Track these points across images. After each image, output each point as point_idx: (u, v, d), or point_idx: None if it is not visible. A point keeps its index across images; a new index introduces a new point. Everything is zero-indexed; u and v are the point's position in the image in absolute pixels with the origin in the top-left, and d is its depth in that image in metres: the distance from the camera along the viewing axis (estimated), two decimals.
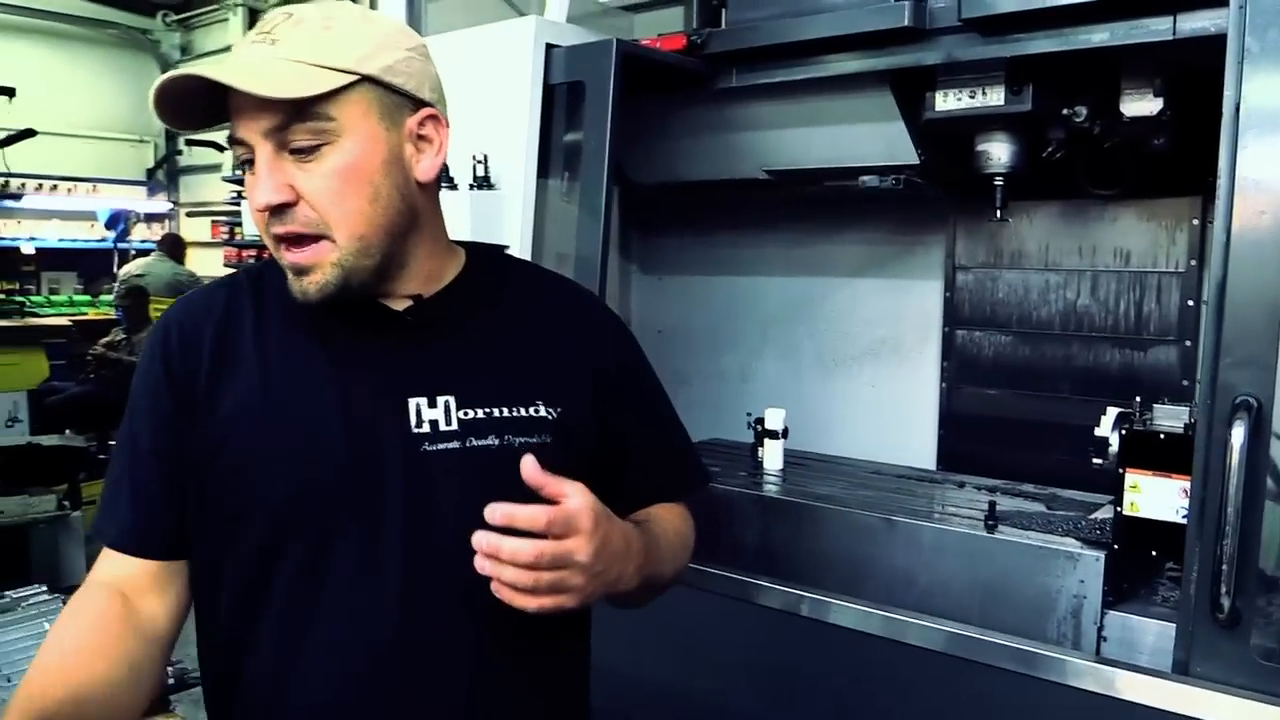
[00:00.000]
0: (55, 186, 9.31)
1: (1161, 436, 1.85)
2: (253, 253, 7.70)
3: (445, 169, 1.20)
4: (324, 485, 1.07)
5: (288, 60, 1.03)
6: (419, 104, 1.11)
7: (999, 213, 2.33)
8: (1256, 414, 1.56)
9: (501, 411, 1.13)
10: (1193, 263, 2.42)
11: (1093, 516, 2.15)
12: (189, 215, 9.89)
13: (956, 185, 2.54)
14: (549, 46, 2.43)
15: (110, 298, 8.51)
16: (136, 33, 9.62)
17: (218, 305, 1.15)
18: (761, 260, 3.21)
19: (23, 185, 8.95)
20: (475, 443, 1.11)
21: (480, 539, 0.96)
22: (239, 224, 7.90)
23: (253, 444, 1.08)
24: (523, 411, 1.14)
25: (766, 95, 2.54)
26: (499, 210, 2.41)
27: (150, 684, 1.07)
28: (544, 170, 2.45)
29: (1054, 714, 1.79)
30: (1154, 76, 2.09)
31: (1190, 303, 2.43)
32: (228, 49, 8.67)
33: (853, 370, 3.05)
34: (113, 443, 1.22)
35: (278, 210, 1.05)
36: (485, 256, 1.27)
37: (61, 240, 9.68)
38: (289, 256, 1.07)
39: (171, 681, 1.93)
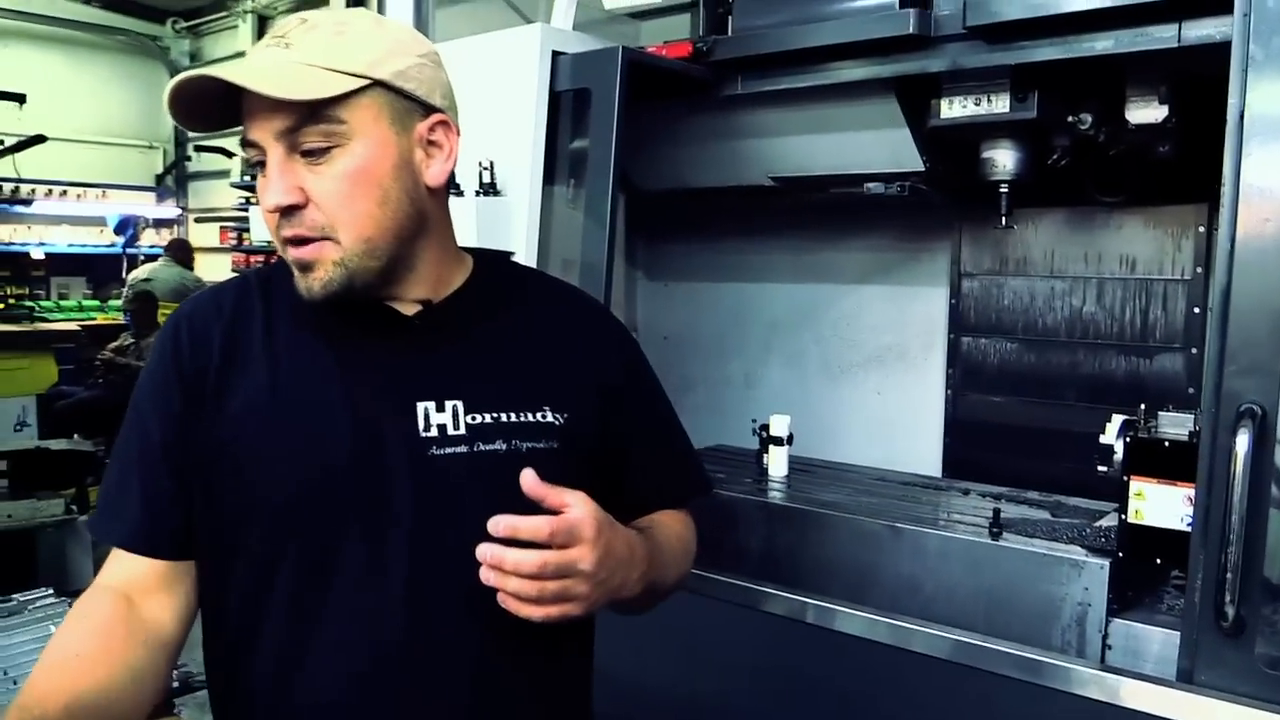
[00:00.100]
0: (65, 192, 9.33)
1: (1166, 444, 1.84)
2: (261, 258, 7.73)
3: (453, 175, 1.20)
4: (329, 485, 1.08)
5: (301, 64, 1.04)
6: (430, 109, 1.11)
7: (1004, 220, 2.33)
8: (1261, 422, 1.56)
9: (509, 417, 1.13)
10: (1199, 270, 2.42)
11: (1098, 524, 2.14)
12: (197, 221, 9.91)
13: (962, 192, 2.54)
14: (555, 54, 2.44)
15: (119, 303, 8.54)
16: (146, 39, 9.66)
17: (227, 304, 1.16)
18: (767, 267, 3.22)
19: (33, 191, 8.98)
20: (483, 447, 1.11)
21: (484, 551, 0.96)
22: (247, 230, 7.95)
23: (259, 443, 1.09)
24: (530, 417, 1.15)
25: (772, 102, 2.54)
26: (505, 217, 2.42)
27: (153, 690, 1.08)
28: (550, 177, 2.46)
29: None
30: (1159, 84, 2.08)
31: (1196, 310, 2.43)
32: (236, 55, 8.71)
33: (858, 377, 3.05)
34: None
35: (287, 212, 1.06)
36: (492, 263, 1.28)
37: (71, 245, 9.71)
38: (293, 252, 1.08)
39: (176, 685, 1.94)
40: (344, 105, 1.04)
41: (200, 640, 1.17)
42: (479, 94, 2.42)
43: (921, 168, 2.44)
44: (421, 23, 3.14)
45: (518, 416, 1.14)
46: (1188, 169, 2.23)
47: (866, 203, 2.61)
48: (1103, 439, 1.93)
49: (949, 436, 2.83)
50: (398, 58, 1.08)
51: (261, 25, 8.67)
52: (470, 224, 2.34)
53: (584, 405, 1.20)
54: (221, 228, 9.25)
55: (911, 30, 2.13)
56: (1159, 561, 1.87)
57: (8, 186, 8.71)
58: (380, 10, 3.20)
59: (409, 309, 1.16)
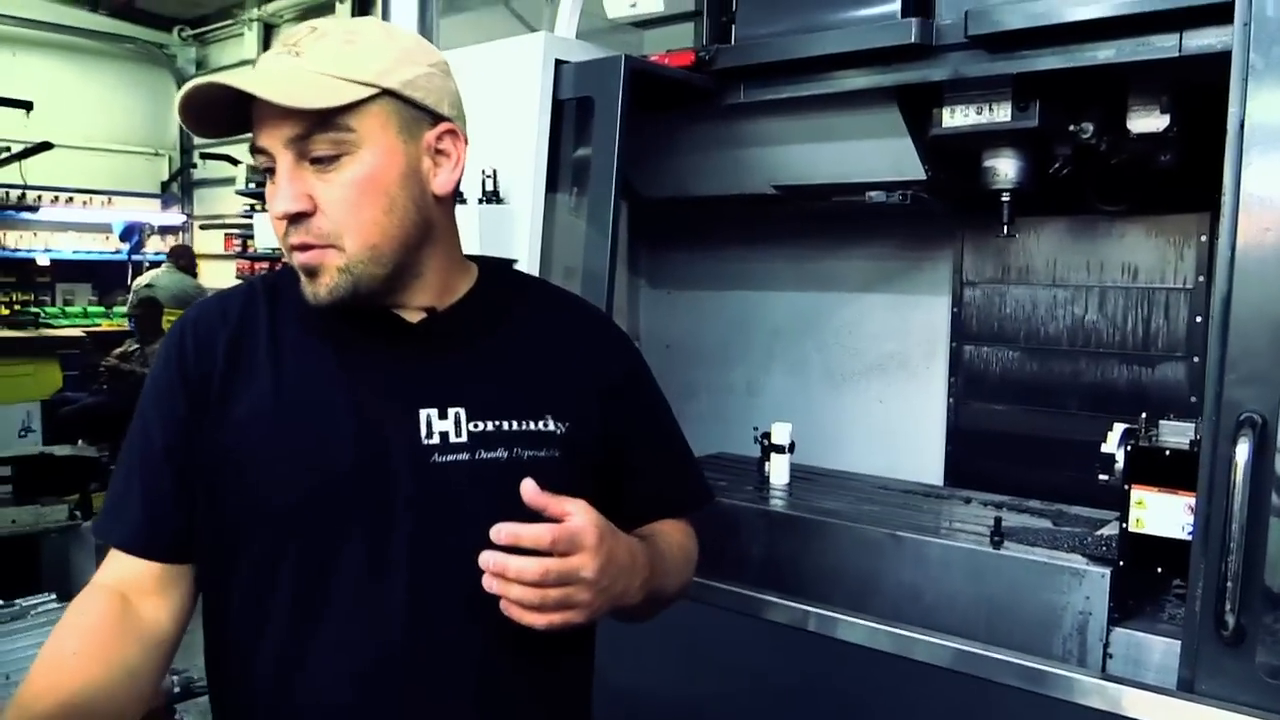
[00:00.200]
0: (71, 199, 9.38)
1: (1167, 453, 1.84)
2: (265, 265, 7.75)
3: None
4: (331, 490, 1.08)
5: (311, 72, 1.05)
6: (438, 119, 1.12)
7: (1006, 228, 2.33)
8: (1261, 430, 1.56)
9: (511, 425, 1.14)
10: (1200, 279, 2.42)
11: (1099, 533, 2.14)
12: (202, 228, 9.95)
13: (964, 201, 2.55)
14: (558, 62, 2.45)
15: (124, 309, 8.56)
16: (153, 47, 9.70)
17: (233, 310, 1.17)
18: (770, 275, 3.22)
19: (39, 197, 9.02)
20: (484, 455, 1.12)
21: (487, 558, 0.97)
22: (251, 236, 7.97)
23: (262, 446, 1.10)
24: (532, 425, 1.15)
25: (774, 111, 2.55)
26: (508, 224, 2.43)
27: (149, 689, 1.08)
28: (553, 185, 2.47)
29: None
30: (1161, 93, 2.09)
31: (1198, 319, 2.43)
32: (242, 64, 8.74)
33: (860, 385, 3.05)
34: None
35: (295, 218, 1.07)
36: (497, 271, 1.29)
37: (76, 252, 9.75)
38: (299, 258, 1.09)
39: (177, 690, 1.94)
40: (353, 114, 1.05)
41: (200, 646, 1.17)
42: (482, 102, 2.42)
43: (923, 176, 2.45)
44: (426, 31, 3.15)
45: (520, 425, 1.15)
46: (1189, 178, 2.23)
47: (868, 211, 2.62)
48: (1104, 448, 1.92)
49: (951, 445, 2.83)
50: (407, 67, 1.09)
51: (267, 33, 8.71)
52: (473, 231, 2.35)
53: (586, 414, 1.20)
54: (226, 235, 9.28)
55: (913, 39, 2.14)
56: (1160, 570, 1.87)
57: (14, 193, 8.75)
58: (385, 18, 3.22)
59: (414, 316, 1.17)
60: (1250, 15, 1.60)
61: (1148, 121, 2.11)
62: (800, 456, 2.75)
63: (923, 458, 2.86)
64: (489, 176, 2.43)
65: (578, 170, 2.46)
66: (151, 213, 10.04)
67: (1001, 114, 2.19)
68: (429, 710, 1.09)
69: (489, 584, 0.98)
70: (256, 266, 8.02)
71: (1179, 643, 1.73)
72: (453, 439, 1.11)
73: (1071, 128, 2.19)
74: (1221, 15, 1.71)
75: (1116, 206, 2.50)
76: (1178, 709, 1.65)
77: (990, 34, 2.05)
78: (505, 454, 1.12)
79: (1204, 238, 2.41)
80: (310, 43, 1.07)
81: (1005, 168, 2.29)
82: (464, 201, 2.41)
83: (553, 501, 1.01)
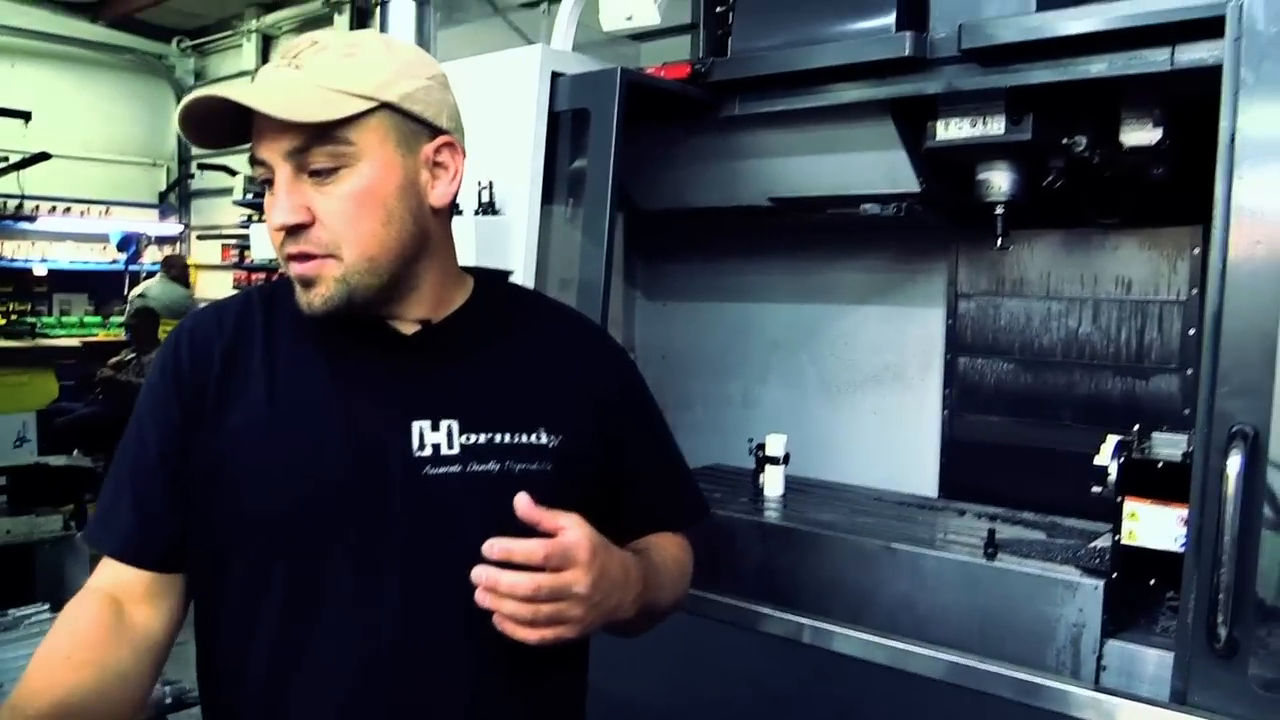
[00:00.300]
0: (68, 209, 9.38)
1: (1160, 465, 1.85)
2: (262, 276, 7.76)
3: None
4: (322, 499, 1.09)
5: (310, 85, 1.06)
6: (436, 131, 1.13)
7: (1000, 241, 2.34)
8: (1253, 443, 1.56)
9: (503, 438, 1.14)
10: (1194, 291, 2.43)
11: (1092, 545, 2.14)
12: (200, 238, 9.95)
13: (958, 213, 2.55)
14: (555, 75, 2.46)
15: (120, 319, 8.57)
16: (152, 58, 9.71)
17: (229, 320, 1.18)
18: (765, 287, 3.22)
19: (36, 207, 9.02)
20: (476, 468, 1.12)
21: (479, 573, 0.98)
22: (248, 247, 7.98)
23: (254, 455, 1.10)
24: (524, 438, 1.15)
25: (770, 123, 2.56)
26: (504, 236, 2.44)
27: (141, 693, 1.09)
28: (549, 196, 2.48)
29: None
30: (1153, 107, 2.10)
31: (1192, 331, 2.43)
32: (241, 75, 8.76)
33: (856, 397, 3.05)
34: None
35: (293, 230, 1.08)
36: (493, 284, 1.29)
37: (73, 262, 9.74)
38: (296, 268, 1.09)
39: (169, 701, 1.93)
40: (352, 127, 1.06)
41: (192, 657, 1.18)
42: (479, 114, 2.43)
43: (918, 189, 2.45)
44: (423, 43, 3.18)
45: (512, 438, 1.15)
46: (1182, 191, 2.23)
47: (863, 224, 2.62)
48: (1097, 460, 1.92)
49: (945, 457, 2.83)
50: (406, 80, 1.10)
51: (266, 45, 8.72)
52: (469, 243, 2.36)
53: (580, 427, 1.20)
54: (223, 245, 9.29)
55: (908, 52, 2.15)
56: (1153, 582, 1.87)
57: (11, 203, 8.75)
58: (384, 30, 3.24)
59: (409, 328, 1.17)
60: (1241, 30, 1.61)
61: (1140, 135, 2.12)
62: (795, 468, 2.75)
63: (917, 469, 2.86)
64: (485, 188, 2.44)
65: (574, 182, 2.47)
66: (149, 223, 10.05)
67: (995, 127, 2.19)
68: None
69: (481, 599, 0.98)
70: (254, 277, 8.04)
71: (1172, 655, 1.73)
72: (445, 451, 1.12)
73: (1065, 141, 2.20)
74: (1213, 30, 1.72)
75: (1110, 219, 2.51)
76: None
77: (984, 48, 2.06)
78: (497, 466, 1.13)
79: (1197, 251, 2.41)
80: (310, 55, 1.08)
81: (999, 180, 2.29)
82: (460, 213, 2.41)
83: (546, 516, 1.01)
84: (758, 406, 3.24)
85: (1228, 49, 1.63)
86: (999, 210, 2.31)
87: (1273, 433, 1.56)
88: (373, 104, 1.07)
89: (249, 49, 8.78)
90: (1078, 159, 2.22)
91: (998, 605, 2.01)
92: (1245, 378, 1.59)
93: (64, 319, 9.47)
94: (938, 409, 2.85)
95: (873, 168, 2.49)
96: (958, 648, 1.96)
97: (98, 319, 9.63)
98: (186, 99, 1.06)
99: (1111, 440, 1.93)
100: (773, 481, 2.70)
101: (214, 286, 9.15)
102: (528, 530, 1.01)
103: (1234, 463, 1.56)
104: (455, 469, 1.11)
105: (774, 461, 2.70)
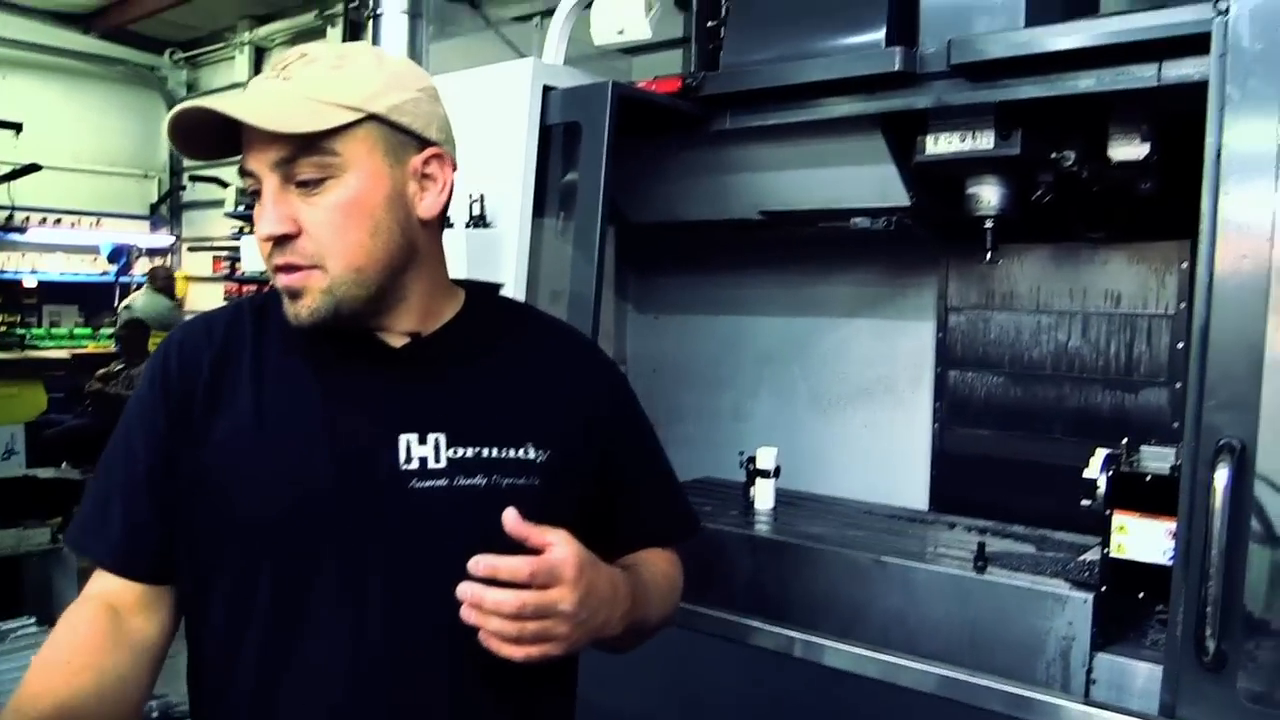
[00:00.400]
0: (59, 220, 9.37)
1: (1148, 478, 1.85)
2: (253, 287, 7.75)
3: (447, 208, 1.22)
4: (306, 510, 1.09)
5: (297, 96, 1.06)
6: (425, 143, 1.13)
7: (990, 255, 2.35)
8: (1240, 456, 1.57)
9: (491, 452, 1.14)
10: (1182, 305, 2.44)
11: (1082, 558, 2.15)
12: (191, 250, 9.95)
13: (948, 227, 2.56)
14: (546, 88, 2.46)
15: (110, 330, 8.55)
16: (144, 70, 9.72)
17: (218, 331, 1.18)
18: (756, 300, 3.23)
19: (26, 219, 9.01)
20: (462, 481, 1.12)
21: (464, 590, 0.97)
22: (240, 259, 7.97)
23: (240, 466, 1.10)
24: (512, 453, 1.15)
25: (761, 137, 2.57)
26: (495, 248, 2.44)
27: (139, 698, 1.10)
28: (540, 209, 2.48)
29: None
30: (1141, 122, 2.11)
31: (1180, 345, 2.44)
32: (233, 87, 8.77)
33: (846, 410, 3.05)
34: None
35: (280, 241, 1.08)
36: (484, 297, 1.29)
37: (63, 274, 9.73)
38: (283, 279, 1.10)
39: (155, 715, 1.92)
40: (338, 138, 1.06)
41: (179, 671, 1.18)
42: (471, 127, 2.44)
43: (908, 203, 2.46)
44: (416, 56, 3.19)
45: (500, 452, 1.15)
46: (1170, 205, 2.25)
47: (854, 237, 2.63)
48: (1086, 473, 1.93)
49: (936, 470, 2.84)
50: (394, 92, 1.10)
51: (258, 57, 8.74)
52: (460, 255, 2.35)
53: (570, 442, 1.20)
54: (215, 257, 9.28)
55: (897, 67, 2.16)
56: (1142, 596, 1.88)
57: (2, 214, 8.73)
58: (376, 43, 3.25)
59: (398, 340, 1.17)
60: (1226, 46, 1.62)
61: (1128, 150, 2.13)
62: (786, 481, 2.75)
63: (908, 482, 2.87)
64: (476, 201, 2.44)
65: (565, 195, 2.47)
66: (140, 234, 10.04)
67: (984, 142, 2.21)
68: None
69: (466, 615, 0.97)
70: (245, 289, 8.03)
71: (1161, 668, 1.73)
72: (431, 465, 1.11)
73: (1053, 155, 2.21)
74: (1199, 46, 1.73)
75: (1099, 234, 2.53)
76: None
77: (973, 63, 2.07)
78: (484, 481, 1.12)
79: (1185, 265, 2.43)
80: (299, 67, 1.09)
81: (988, 195, 2.31)
82: (451, 225, 2.42)
83: (534, 532, 1.01)
84: (749, 419, 3.24)
85: (1213, 65, 1.64)
86: (988, 224, 2.32)
87: (1260, 446, 1.57)
88: (359, 115, 1.07)
89: (241, 61, 8.79)
90: (1066, 173, 2.23)
91: (988, 618, 2.01)
92: (1232, 391, 1.59)
93: (54, 331, 9.45)
94: (928, 422, 2.86)
95: (863, 182, 2.50)
96: (948, 661, 1.96)
97: (88, 331, 9.62)
98: (175, 109, 1.07)
99: (1100, 453, 1.93)
100: (763, 495, 2.70)
101: (205, 298, 9.14)
102: (515, 545, 1.00)
103: (1221, 476, 1.56)
104: (442, 483, 1.11)
105: (764, 475, 2.70)
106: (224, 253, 9.02)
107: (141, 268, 9.94)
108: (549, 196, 2.49)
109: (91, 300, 9.93)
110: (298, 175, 1.07)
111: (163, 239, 10.11)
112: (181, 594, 1.15)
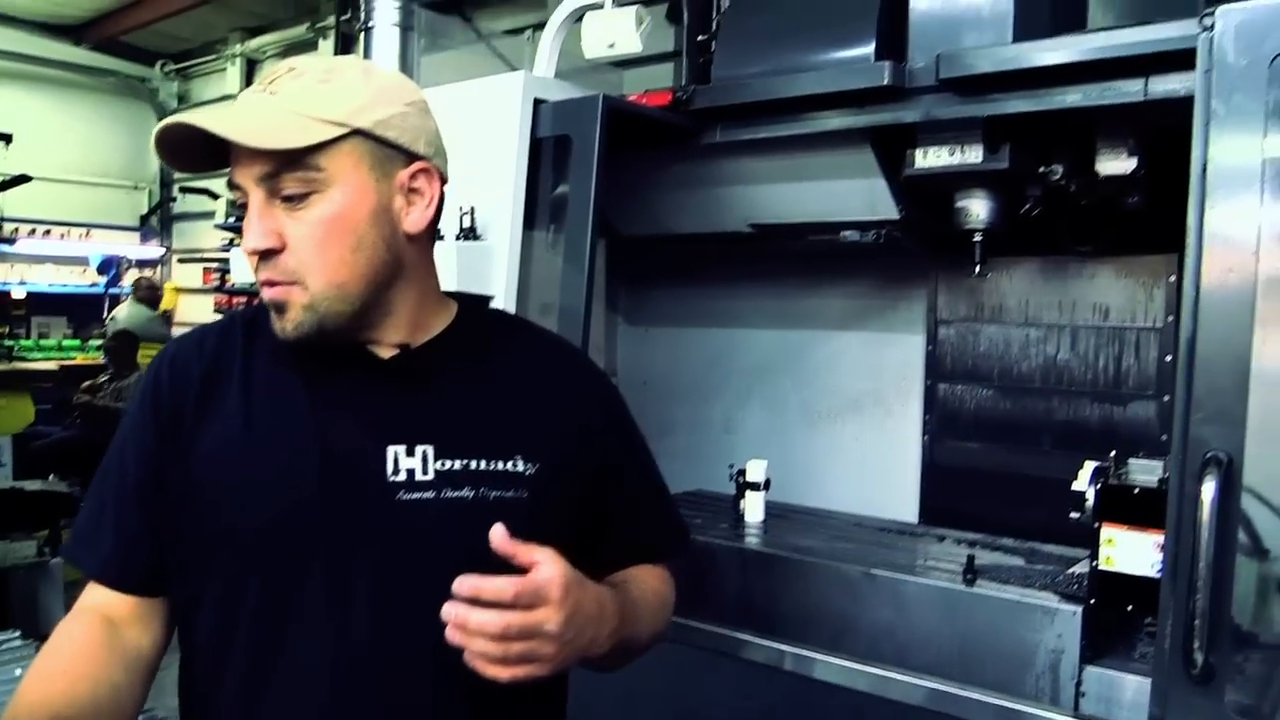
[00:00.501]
0: (48, 231, 9.33)
1: (1135, 491, 1.86)
2: (243, 299, 7.74)
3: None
4: (293, 522, 1.09)
5: (283, 111, 1.06)
6: (412, 157, 1.13)
7: (979, 268, 2.36)
8: (1227, 469, 1.57)
9: (479, 464, 1.14)
10: (1170, 318, 2.45)
11: (1071, 571, 2.15)
12: (181, 261, 9.92)
13: (937, 240, 2.57)
14: (537, 101, 2.47)
15: (98, 342, 8.53)
16: (135, 81, 9.70)
17: (209, 344, 1.18)
18: (747, 313, 3.24)
19: (15, 230, 8.97)
20: (450, 494, 1.12)
21: (449, 611, 0.96)
22: (229, 271, 7.95)
23: (228, 478, 1.10)
24: (500, 465, 1.15)
25: (751, 151, 2.58)
26: (485, 261, 2.44)
27: (133, 708, 1.10)
28: (530, 222, 2.48)
29: None
30: (1128, 136, 2.12)
31: (1168, 358, 2.45)
32: (224, 99, 8.76)
33: (836, 422, 3.06)
34: None
35: (265, 255, 1.08)
36: (476, 310, 1.29)
37: (52, 285, 9.69)
38: (267, 294, 1.10)
39: None
40: (323, 153, 1.06)
41: (167, 685, 1.18)
42: (461, 140, 2.44)
43: (897, 216, 2.47)
44: (407, 69, 3.19)
45: (488, 464, 1.14)
46: (1157, 219, 2.26)
47: (844, 250, 2.64)
48: (1075, 485, 1.94)
49: (925, 482, 2.84)
50: (381, 106, 1.10)
51: (250, 69, 8.73)
52: (450, 268, 2.36)
53: (560, 456, 1.20)
54: (205, 268, 9.25)
55: (886, 82, 2.17)
56: (1131, 608, 1.88)
57: None
58: (367, 56, 3.25)
59: (387, 352, 1.17)
60: (1211, 62, 1.63)
61: (1116, 164, 2.14)
62: (776, 494, 2.75)
63: (898, 495, 2.87)
64: (467, 213, 2.44)
65: (555, 208, 2.47)
66: (130, 246, 10.01)
67: (973, 156, 2.22)
68: None
69: (451, 636, 0.96)
70: (235, 300, 8.01)
71: (1150, 681, 1.73)
72: (419, 476, 1.11)
73: (1041, 169, 2.22)
74: (1185, 61, 1.74)
75: (1087, 247, 2.54)
76: None
77: (961, 77, 2.09)
78: (471, 493, 1.12)
79: (1172, 278, 2.44)
80: (287, 81, 1.09)
81: (977, 208, 2.31)
82: (441, 238, 2.42)
83: (521, 549, 0.99)
84: (739, 432, 3.24)
85: (1199, 81, 1.66)
86: (977, 238, 2.33)
87: (1247, 458, 1.58)
88: (344, 130, 1.07)
89: (233, 73, 8.78)
90: (1055, 187, 2.24)
91: (977, 631, 2.01)
92: (1219, 404, 1.60)
93: (42, 342, 9.41)
94: (918, 435, 2.86)
95: (852, 195, 2.51)
96: (938, 674, 1.96)
97: (76, 342, 9.57)
98: (160, 125, 1.07)
99: (1089, 466, 1.94)
100: (753, 507, 2.70)
101: (195, 310, 9.12)
102: (503, 559, 1.00)
103: (1208, 489, 1.56)
104: (429, 495, 1.11)
105: (755, 487, 2.70)
106: (214, 264, 8.99)
107: (131, 279, 9.92)
108: (539, 209, 2.49)
109: (80, 312, 9.89)
110: (283, 190, 1.07)
111: (153, 250, 10.08)
112: (173, 605, 1.15)
